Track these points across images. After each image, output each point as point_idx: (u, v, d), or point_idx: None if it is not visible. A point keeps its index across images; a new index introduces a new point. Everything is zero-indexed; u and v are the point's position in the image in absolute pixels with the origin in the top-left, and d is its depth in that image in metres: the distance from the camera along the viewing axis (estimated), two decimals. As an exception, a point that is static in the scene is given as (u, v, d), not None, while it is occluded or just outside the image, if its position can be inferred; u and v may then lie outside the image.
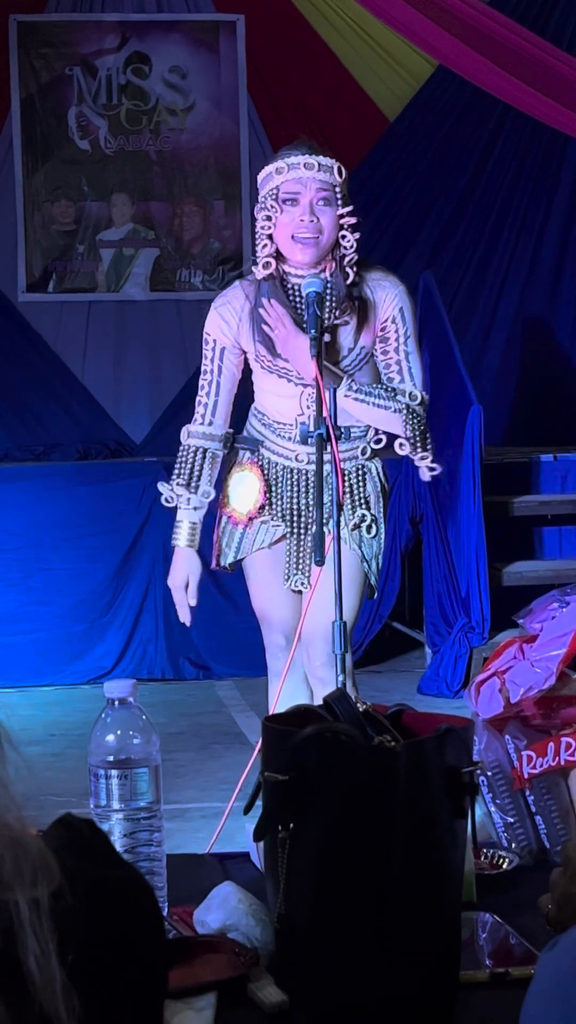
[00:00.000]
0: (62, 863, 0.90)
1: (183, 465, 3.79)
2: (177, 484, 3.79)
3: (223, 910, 1.67)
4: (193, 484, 3.78)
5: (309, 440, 3.57)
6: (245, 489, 3.79)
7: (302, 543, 3.77)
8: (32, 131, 7.72)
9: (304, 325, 3.64)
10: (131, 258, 7.86)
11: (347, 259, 3.65)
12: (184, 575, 3.83)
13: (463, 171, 7.80)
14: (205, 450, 3.78)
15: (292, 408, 3.73)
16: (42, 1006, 0.86)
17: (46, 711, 6.02)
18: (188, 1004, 1.50)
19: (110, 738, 1.78)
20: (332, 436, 3.50)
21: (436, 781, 1.56)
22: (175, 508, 3.82)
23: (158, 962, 0.99)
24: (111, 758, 1.77)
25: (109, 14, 7.77)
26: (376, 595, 3.92)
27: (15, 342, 7.69)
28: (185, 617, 3.88)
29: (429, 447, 3.76)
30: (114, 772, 1.76)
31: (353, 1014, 1.51)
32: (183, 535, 3.80)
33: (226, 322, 3.74)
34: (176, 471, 3.80)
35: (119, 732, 1.79)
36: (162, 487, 3.83)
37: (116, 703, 1.80)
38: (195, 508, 3.79)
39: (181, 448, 3.81)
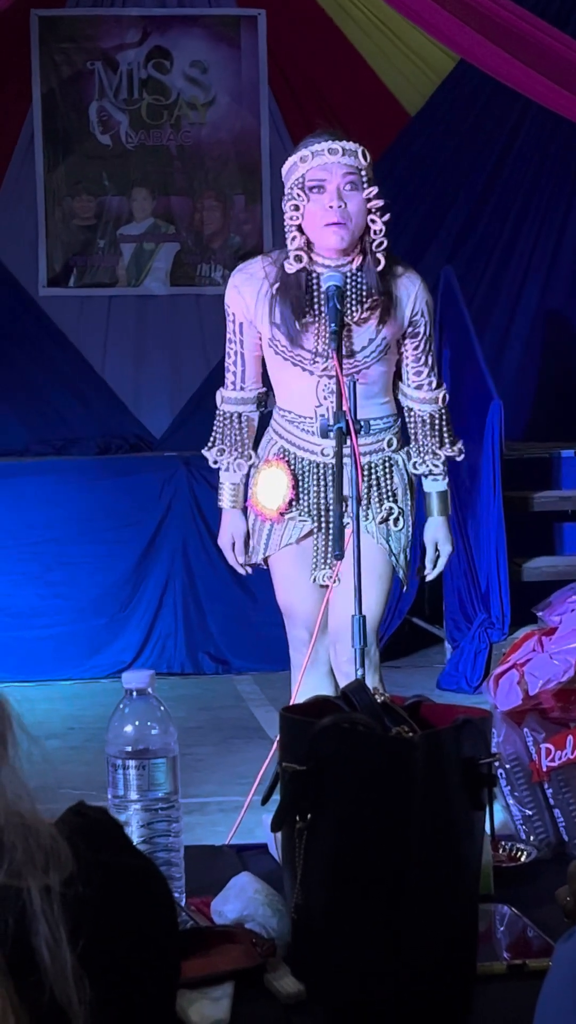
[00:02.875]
0: (75, 851, 0.90)
1: (220, 430, 3.84)
2: (216, 450, 3.84)
3: (240, 900, 1.67)
4: (230, 449, 3.83)
5: (329, 434, 3.56)
6: (273, 485, 3.80)
7: (329, 539, 3.77)
8: (53, 126, 7.72)
9: (324, 318, 3.64)
10: (151, 253, 7.86)
11: (376, 244, 3.64)
12: (229, 535, 3.89)
13: (484, 166, 7.78)
14: (240, 415, 3.83)
15: (309, 399, 3.73)
16: (53, 992, 0.86)
17: (65, 705, 6.03)
18: (205, 994, 1.50)
19: (128, 728, 1.79)
20: (352, 430, 3.50)
21: (453, 772, 1.55)
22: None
23: (171, 951, 0.99)
24: (129, 748, 1.77)
25: (130, 8, 7.77)
26: (405, 587, 3.93)
27: (35, 336, 7.70)
28: (242, 571, 3.94)
29: (458, 443, 3.85)
30: (131, 762, 1.77)
31: (370, 1004, 1.51)
32: (226, 496, 3.87)
33: (242, 296, 3.74)
34: (213, 436, 3.85)
35: (137, 722, 1.79)
36: (205, 452, 3.88)
37: (134, 693, 1.80)
38: (235, 471, 3.84)
39: (217, 413, 3.85)
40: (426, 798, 1.52)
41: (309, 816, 1.54)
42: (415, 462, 3.81)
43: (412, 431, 3.84)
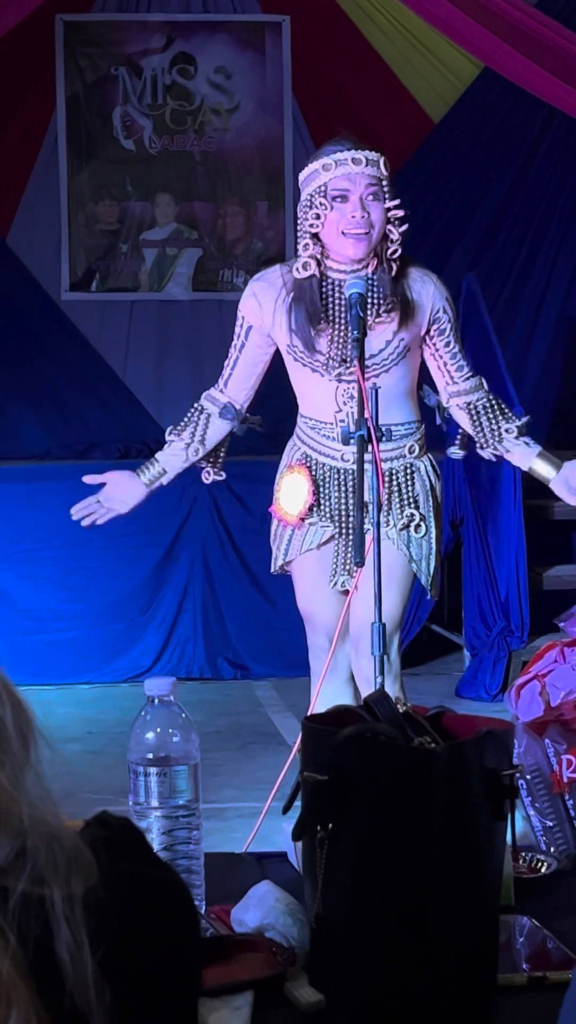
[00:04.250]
0: (98, 860, 0.90)
1: (185, 421, 3.88)
2: (170, 431, 3.89)
3: (260, 909, 1.67)
4: (180, 432, 3.87)
5: (351, 441, 3.57)
6: (294, 491, 3.80)
7: (350, 544, 3.77)
8: (77, 130, 7.74)
9: (342, 324, 3.65)
10: (174, 258, 7.87)
11: (391, 252, 3.66)
12: (115, 497, 3.99)
13: (507, 173, 7.77)
14: (202, 409, 3.87)
15: (328, 404, 3.74)
16: (74, 997, 0.86)
17: (84, 709, 6.04)
18: (225, 1002, 1.50)
19: (150, 736, 1.79)
20: (373, 437, 3.50)
21: (476, 783, 1.55)
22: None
23: (194, 962, 0.99)
24: (150, 755, 1.78)
25: (155, 14, 7.78)
26: (430, 595, 3.92)
27: (57, 341, 7.71)
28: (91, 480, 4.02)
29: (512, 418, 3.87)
30: (153, 769, 1.77)
31: (390, 1015, 1.51)
32: (144, 469, 3.92)
33: (260, 305, 3.75)
34: (179, 425, 3.88)
35: (159, 730, 1.79)
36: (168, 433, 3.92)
37: (156, 701, 1.80)
38: (166, 451, 3.89)
39: (193, 405, 3.91)
40: (448, 809, 1.52)
41: (330, 826, 1.54)
42: (494, 452, 3.84)
43: (476, 424, 3.83)
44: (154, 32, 7.78)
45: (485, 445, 3.84)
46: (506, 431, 3.82)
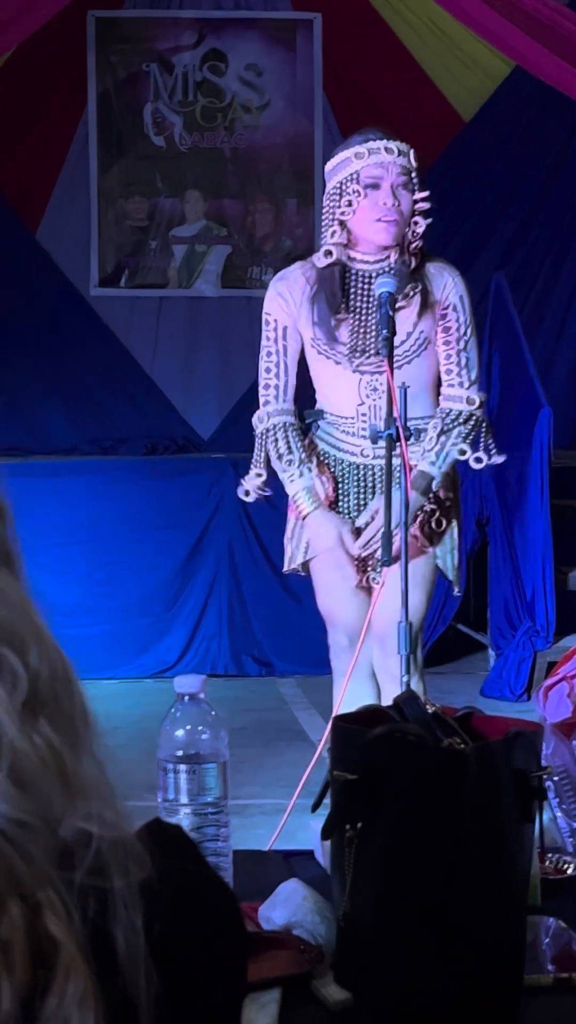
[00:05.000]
0: (152, 856, 0.92)
1: (276, 444, 3.74)
2: (255, 473, 3.78)
3: (288, 907, 1.67)
4: (289, 457, 3.73)
5: (379, 440, 3.57)
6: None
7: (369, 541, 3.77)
8: (108, 127, 7.76)
9: (364, 314, 3.66)
10: (203, 255, 7.88)
11: (413, 245, 3.67)
12: (334, 532, 3.71)
13: (538, 172, 7.76)
14: (286, 424, 3.77)
15: (351, 398, 3.73)
16: (126, 981, 0.88)
17: (110, 703, 6.05)
18: (253, 999, 1.51)
19: (179, 733, 1.80)
20: (402, 437, 3.50)
21: (504, 784, 1.56)
22: (257, 498, 3.82)
23: (240, 958, 1.01)
24: (180, 753, 1.78)
25: (186, 11, 7.79)
26: (456, 591, 3.91)
27: (86, 336, 7.74)
28: (358, 551, 3.70)
29: (491, 447, 3.77)
30: (182, 767, 1.78)
31: (416, 1013, 1.52)
32: (305, 502, 3.72)
33: (285, 300, 3.76)
34: (273, 453, 3.74)
35: (188, 727, 1.80)
36: (241, 484, 3.82)
37: (186, 698, 1.81)
38: (301, 476, 3.73)
39: (262, 431, 3.78)
40: (477, 810, 1.53)
41: (359, 825, 1.54)
42: (423, 452, 3.71)
43: (446, 428, 3.74)
44: (185, 29, 7.79)
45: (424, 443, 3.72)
46: (435, 439, 3.70)
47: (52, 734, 0.90)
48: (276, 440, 3.78)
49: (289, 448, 3.76)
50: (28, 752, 0.87)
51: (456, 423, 3.73)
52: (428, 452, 3.70)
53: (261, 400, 3.81)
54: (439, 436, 3.71)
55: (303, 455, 3.77)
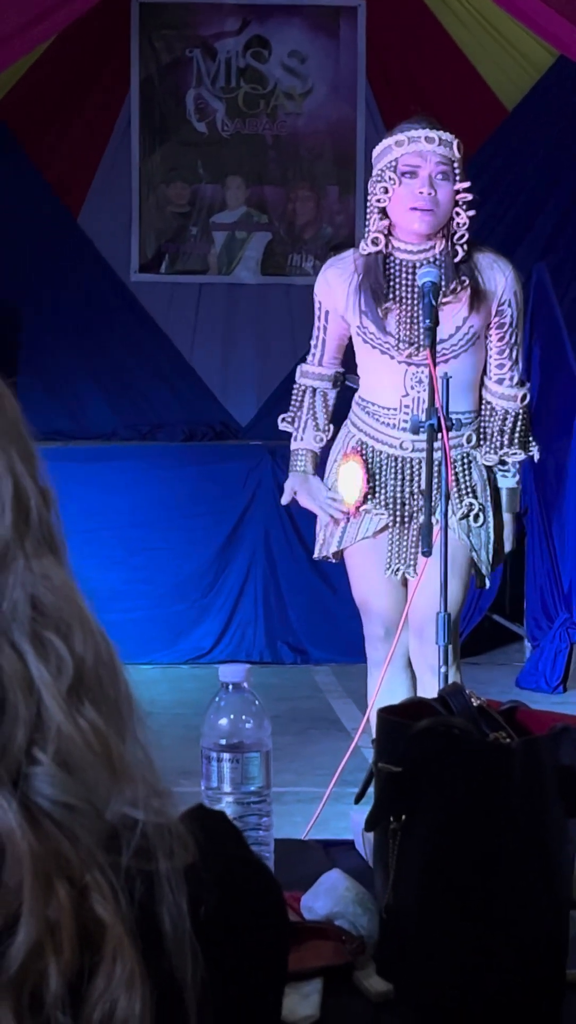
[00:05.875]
0: (196, 841, 0.92)
1: (294, 403, 3.91)
2: (288, 423, 3.92)
3: (331, 897, 1.68)
4: (303, 421, 3.88)
5: (420, 430, 3.57)
6: (349, 479, 3.81)
7: (404, 533, 3.77)
8: (150, 112, 7.76)
9: (410, 305, 3.66)
10: (243, 241, 7.88)
11: (458, 236, 3.66)
12: (289, 489, 3.92)
13: (581, 161, 7.73)
14: (315, 389, 3.88)
15: (395, 388, 3.74)
16: (172, 963, 0.89)
17: (145, 689, 6.02)
18: (295, 989, 1.52)
19: (223, 722, 1.80)
20: (444, 427, 3.50)
21: (550, 780, 1.55)
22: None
23: (283, 945, 1.01)
24: (223, 741, 1.79)
25: (231, -3, 7.80)
26: (487, 585, 3.91)
27: (126, 322, 7.75)
28: (324, 512, 3.89)
29: (532, 447, 3.80)
30: (226, 755, 1.78)
31: (459, 1007, 1.52)
32: (297, 462, 3.90)
33: (331, 286, 3.78)
34: (291, 408, 3.92)
35: (232, 716, 1.80)
36: (280, 422, 3.96)
37: (230, 687, 1.82)
38: (305, 440, 3.88)
39: (295, 386, 3.93)
40: (521, 805, 1.52)
41: (403, 817, 1.54)
42: (485, 454, 3.79)
43: (486, 424, 3.81)
44: (229, 15, 7.78)
45: (484, 447, 3.80)
46: (499, 450, 3.77)
47: (97, 718, 0.90)
48: (298, 403, 3.91)
49: (302, 409, 3.89)
50: (74, 736, 0.88)
51: (517, 426, 3.77)
52: (504, 467, 3.78)
53: (308, 356, 3.95)
54: (507, 444, 3.76)
55: (317, 423, 3.86)
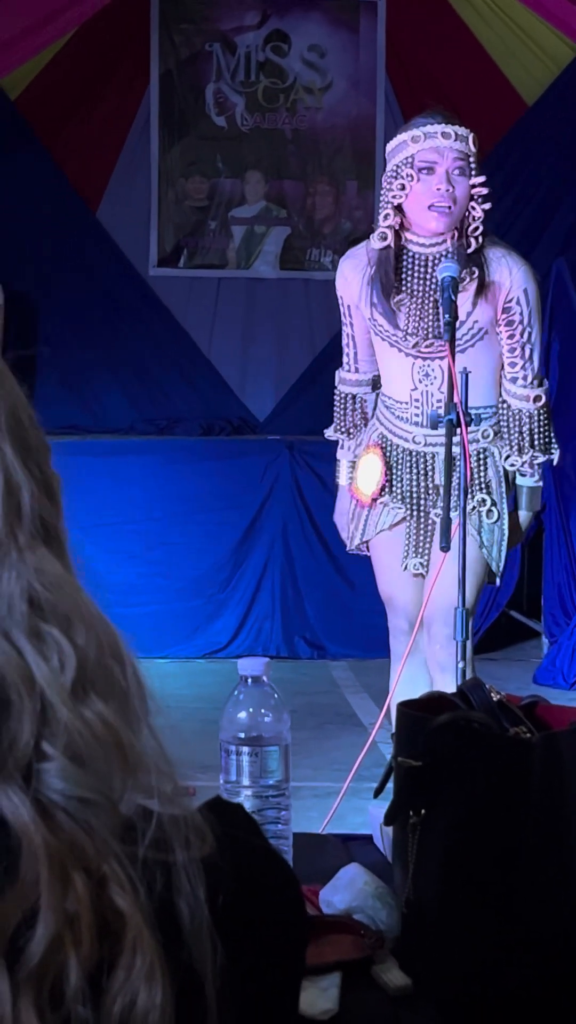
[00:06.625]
0: (212, 829, 0.92)
1: (337, 411, 3.93)
2: (334, 430, 3.93)
3: (350, 891, 1.67)
4: (345, 429, 3.90)
5: (439, 425, 3.56)
6: (369, 471, 3.81)
7: (420, 527, 3.76)
8: (170, 106, 7.76)
9: (420, 298, 3.65)
10: (262, 236, 7.88)
11: (472, 228, 3.64)
12: (339, 511, 3.95)
13: (601, 157, 7.71)
14: (353, 396, 3.89)
15: (405, 382, 3.73)
16: (191, 953, 0.89)
17: (162, 683, 6.06)
18: (313, 982, 1.51)
19: (242, 715, 1.80)
20: (463, 422, 3.49)
21: (570, 775, 1.55)
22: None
23: (300, 941, 1.01)
24: (242, 735, 1.79)
25: (250, -9, 7.80)
26: (498, 582, 3.90)
27: (144, 316, 7.75)
28: (350, 546, 3.97)
29: (553, 448, 3.78)
30: (245, 749, 1.78)
31: (478, 1001, 1.51)
32: (342, 473, 3.94)
33: (347, 280, 3.78)
34: (334, 416, 3.94)
35: (251, 710, 1.80)
36: (326, 432, 3.99)
37: (249, 680, 1.81)
38: (348, 449, 3.91)
39: (335, 392, 3.94)
40: (541, 800, 1.52)
41: (423, 812, 1.54)
42: (506, 455, 3.78)
43: (504, 424, 3.79)
44: (249, 9, 7.78)
45: (504, 447, 3.78)
46: (519, 452, 3.75)
47: (105, 710, 0.90)
48: (340, 409, 3.92)
49: (343, 419, 3.90)
50: (82, 729, 0.88)
51: (535, 428, 3.75)
52: (523, 466, 3.76)
53: (343, 362, 3.94)
54: (528, 446, 3.75)
55: (357, 431, 3.89)
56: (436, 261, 3.63)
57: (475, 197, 3.63)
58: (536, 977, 1.52)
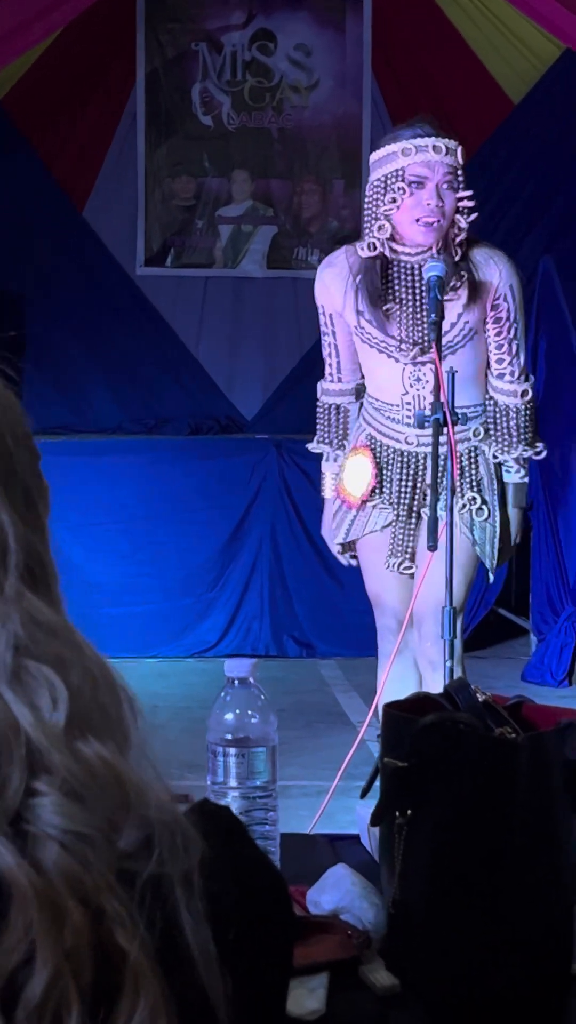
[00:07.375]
0: (204, 840, 0.92)
1: (321, 422, 3.93)
2: (319, 441, 3.93)
3: (337, 892, 1.68)
4: (330, 440, 3.91)
5: (425, 424, 3.57)
6: (357, 472, 3.82)
7: (408, 527, 3.77)
8: (156, 106, 7.76)
9: (411, 307, 3.66)
10: (249, 235, 7.88)
11: (457, 239, 3.66)
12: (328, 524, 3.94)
13: (587, 155, 7.71)
14: (337, 407, 3.89)
15: (395, 387, 3.74)
16: (197, 977, 0.89)
17: (150, 683, 6.08)
18: (301, 983, 1.52)
19: (229, 716, 1.80)
20: (449, 422, 3.50)
21: (556, 775, 1.56)
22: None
23: (288, 944, 1.01)
24: (229, 736, 1.79)
25: (236, -9, 7.79)
26: (491, 578, 3.92)
27: (132, 315, 7.75)
28: (344, 561, 3.99)
29: (539, 444, 3.80)
30: (232, 750, 1.78)
31: (465, 1000, 1.52)
32: (327, 486, 3.94)
33: (329, 289, 3.78)
34: (318, 427, 3.93)
35: (238, 711, 1.81)
36: (309, 446, 4.00)
37: (236, 682, 1.82)
38: (333, 461, 3.91)
39: (317, 404, 3.93)
40: (527, 799, 1.53)
41: (409, 812, 1.55)
42: (494, 451, 3.80)
43: (492, 420, 3.81)
44: (235, 8, 7.77)
45: (492, 444, 3.80)
46: (507, 448, 3.78)
47: (102, 748, 0.90)
48: (324, 420, 3.92)
49: (328, 430, 3.90)
50: (78, 768, 0.88)
51: (521, 423, 3.76)
52: (510, 463, 3.78)
53: (325, 370, 3.93)
54: (515, 442, 3.76)
55: (342, 442, 3.85)
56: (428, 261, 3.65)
57: (461, 210, 3.65)
58: (523, 977, 1.53)
